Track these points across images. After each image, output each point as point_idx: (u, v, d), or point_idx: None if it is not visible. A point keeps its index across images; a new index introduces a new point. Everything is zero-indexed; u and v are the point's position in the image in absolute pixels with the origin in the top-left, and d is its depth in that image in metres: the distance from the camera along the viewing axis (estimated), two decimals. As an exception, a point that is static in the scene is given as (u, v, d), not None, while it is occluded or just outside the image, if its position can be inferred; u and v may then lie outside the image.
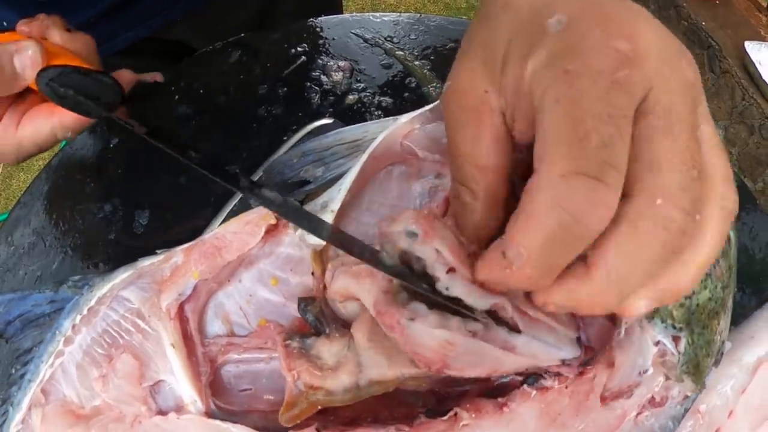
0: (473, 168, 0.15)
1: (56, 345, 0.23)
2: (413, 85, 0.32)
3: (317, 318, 0.19)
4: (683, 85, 0.13)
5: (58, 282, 0.25)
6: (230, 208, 0.26)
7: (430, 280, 0.15)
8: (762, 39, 1.36)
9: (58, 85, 0.24)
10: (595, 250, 0.13)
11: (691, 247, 0.14)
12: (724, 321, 0.22)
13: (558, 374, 0.18)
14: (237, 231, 0.20)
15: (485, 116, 0.15)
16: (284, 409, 0.18)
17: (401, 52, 0.31)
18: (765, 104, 1.26)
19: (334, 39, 0.33)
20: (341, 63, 0.31)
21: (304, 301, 0.20)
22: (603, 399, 0.19)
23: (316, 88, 0.31)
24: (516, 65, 0.14)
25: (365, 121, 0.30)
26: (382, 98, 0.31)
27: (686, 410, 0.22)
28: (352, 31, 0.32)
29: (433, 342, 0.15)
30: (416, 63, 0.30)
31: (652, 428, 0.21)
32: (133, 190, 0.31)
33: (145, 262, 0.22)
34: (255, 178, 0.27)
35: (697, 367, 0.19)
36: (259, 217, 0.20)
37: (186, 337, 0.21)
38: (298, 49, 0.33)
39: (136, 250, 0.24)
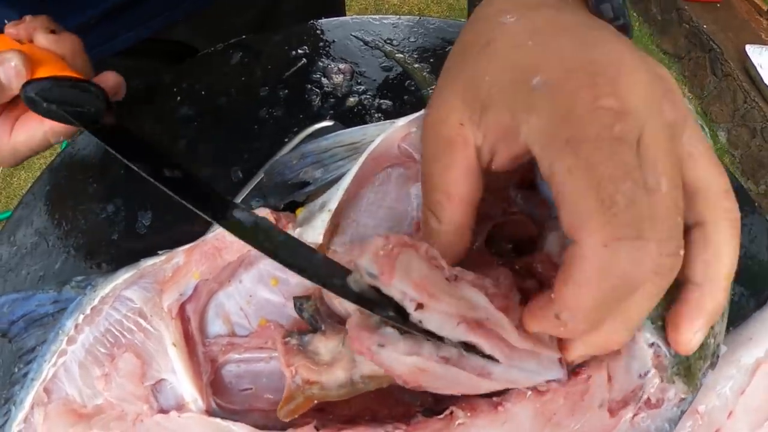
0: (442, 195, 0.16)
1: (59, 344, 0.24)
2: (413, 87, 0.32)
3: (313, 315, 0.20)
4: (666, 127, 0.14)
5: (61, 282, 0.25)
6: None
7: (403, 310, 0.15)
8: (763, 42, 1.37)
9: (41, 99, 0.24)
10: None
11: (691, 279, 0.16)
12: (719, 325, 0.22)
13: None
14: None
15: (458, 147, 0.16)
16: (282, 404, 0.18)
17: (401, 55, 0.31)
18: (767, 107, 1.26)
19: (334, 41, 0.33)
20: (342, 65, 0.31)
21: (300, 300, 0.20)
22: (611, 411, 0.19)
23: (317, 90, 0.32)
24: (500, 113, 0.15)
25: (365, 123, 0.31)
26: (382, 101, 0.32)
27: (683, 412, 0.21)
28: (353, 33, 0.33)
29: (404, 368, 0.15)
30: (416, 66, 0.31)
31: (648, 429, 0.20)
32: (135, 191, 0.31)
33: (147, 263, 0.22)
34: (256, 179, 0.27)
35: (688, 370, 0.19)
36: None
37: (187, 337, 0.21)
38: (299, 51, 0.33)
39: (138, 250, 0.25)
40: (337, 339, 0.19)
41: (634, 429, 0.20)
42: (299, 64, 0.32)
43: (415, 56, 0.32)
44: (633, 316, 0.15)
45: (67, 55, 0.28)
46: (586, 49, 0.15)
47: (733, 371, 0.27)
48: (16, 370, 0.26)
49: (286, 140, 0.29)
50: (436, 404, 0.20)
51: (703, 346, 0.20)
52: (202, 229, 0.29)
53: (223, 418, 0.20)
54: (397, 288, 0.14)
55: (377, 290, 0.15)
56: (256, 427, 0.19)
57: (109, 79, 0.29)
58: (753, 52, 1.29)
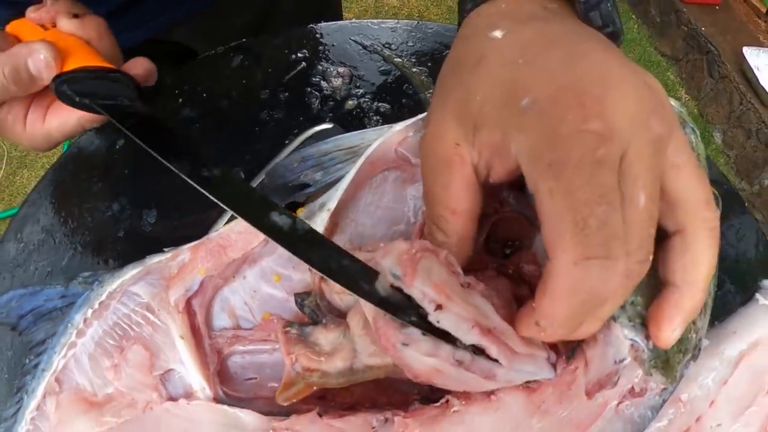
0: (445, 210, 0.18)
1: (69, 337, 0.25)
2: (410, 91, 0.33)
3: (314, 310, 0.21)
4: (652, 143, 0.15)
5: (68, 278, 0.26)
6: (222, 222, 0.28)
7: (423, 310, 0.16)
8: (761, 44, 1.38)
9: (72, 93, 0.25)
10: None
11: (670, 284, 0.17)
12: (701, 321, 0.24)
13: None
14: (241, 231, 0.22)
15: (456, 166, 0.17)
16: (282, 389, 0.19)
17: (399, 59, 0.33)
18: (762, 109, 1.28)
19: (333, 45, 0.34)
20: (341, 69, 0.32)
21: (301, 296, 0.21)
22: (588, 393, 0.20)
23: (316, 93, 0.33)
24: (492, 131, 0.16)
25: (364, 125, 0.32)
26: (380, 104, 0.33)
27: (664, 401, 0.23)
28: (352, 37, 0.34)
29: (423, 367, 0.16)
30: (414, 70, 0.32)
31: (631, 417, 0.22)
32: (140, 190, 0.32)
33: (154, 260, 0.23)
34: (258, 180, 0.28)
35: (666, 363, 0.21)
36: None
37: (194, 330, 0.23)
38: (299, 54, 0.34)
39: (144, 247, 0.25)
40: (337, 331, 0.20)
41: (619, 416, 0.22)
42: (299, 68, 0.33)
43: (413, 60, 0.33)
44: (605, 315, 0.16)
45: (93, 39, 0.28)
46: (574, 65, 0.15)
47: (716, 363, 0.28)
48: (27, 361, 0.27)
49: (286, 142, 0.30)
50: (432, 393, 0.22)
51: (682, 340, 0.22)
52: (206, 227, 0.31)
53: (229, 405, 0.21)
54: (418, 288, 0.16)
55: (400, 293, 0.16)
56: (261, 413, 0.21)
57: (139, 66, 0.29)
58: (750, 54, 1.29)
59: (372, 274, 0.17)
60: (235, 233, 0.22)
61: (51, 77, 0.25)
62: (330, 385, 0.19)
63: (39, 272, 0.32)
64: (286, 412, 0.21)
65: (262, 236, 0.22)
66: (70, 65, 0.25)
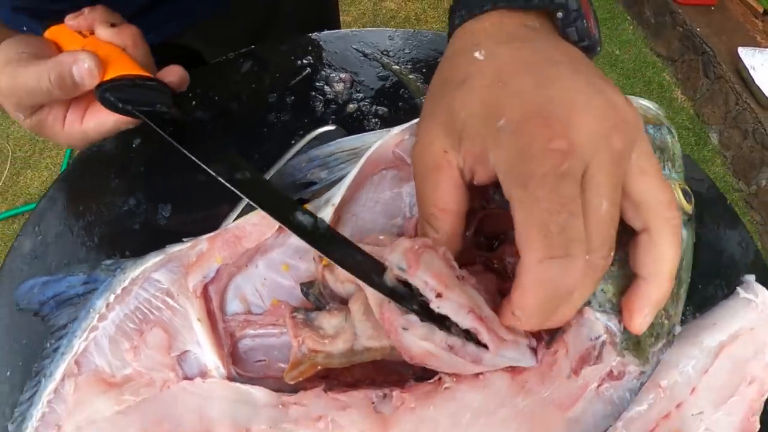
0: (435, 210, 0.20)
1: (90, 321, 0.26)
2: (407, 95, 0.35)
3: (317, 298, 0.23)
4: (611, 155, 0.17)
5: (91, 266, 0.28)
6: (245, 203, 0.30)
7: (425, 299, 0.19)
8: (758, 44, 1.38)
9: (116, 100, 0.27)
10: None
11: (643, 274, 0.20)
12: (673, 308, 0.26)
13: None
14: (256, 223, 0.24)
15: (444, 170, 0.19)
16: (289, 369, 0.22)
17: (396, 66, 0.35)
18: (759, 109, 1.27)
19: (336, 52, 0.37)
20: (342, 75, 0.35)
21: (306, 285, 0.24)
22: (574, 371, 0.22)
23: (320, 97, 0.35)
24: (474, 143, 0.19)
25: (364, 127, 0.34)
26: (378, 107, 0.35)
27: (642, 384, 0.25)
28: (353, 45, 0.36)
29: (418, 350, 0.19)
30: (410, 76, 0.34)
31: (611, 398, 0.24)
32: (155, 186, 0.34)
33: (174, 249, 0.25)
34: (267, 177, 0.31)
35: (638, 345, 0.23)
36: None
37: (210, 314, 0.25)
38: (304, 61, 0.36)
39: (159, 239, 0.27)
40: (340, 316, 0.22)
41: (599, 397, 0.23)
42: (304, 73, 0.35)
43: (409, 67, 0.36)
44: (576, 303, 0.19)
45: (129, 47, 0.30)
46: (543, 89, 0.18)
47: (695, 352, 0.29)
48: (48, 345, 0.28)
49: (292, 142, 0.32)
50: (425, 373, 0.24)
51: (653, 325, 0.24)
52: (217, 221, 0.32)
53: (242, 383, 0.24)
54: (421, 279, 0.18)
55: (404, 285, 0.19)
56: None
57: (174, 74, 0.30)
58: (745, 54, 1.29)
59: (380, 267, 0.19)
60: (250, 225, 0.24)
61: (93, 84, 0.27)
62: (333, 364, 0.22)
63: (56, 264, 0.33)
64: (292, 390, 0.23)
65: (274, 228, 0.24)
66: (111, 73, 0.27)
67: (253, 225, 0.24)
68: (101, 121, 0.29)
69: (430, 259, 0.19)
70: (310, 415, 0.22)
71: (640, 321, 0.21)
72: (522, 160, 0.17)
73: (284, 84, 0.36)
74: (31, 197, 1.35)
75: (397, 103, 0.35)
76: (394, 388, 0.22)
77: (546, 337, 0.22)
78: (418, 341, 0.18)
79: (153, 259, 0.25)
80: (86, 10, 0.31)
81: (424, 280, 0.18)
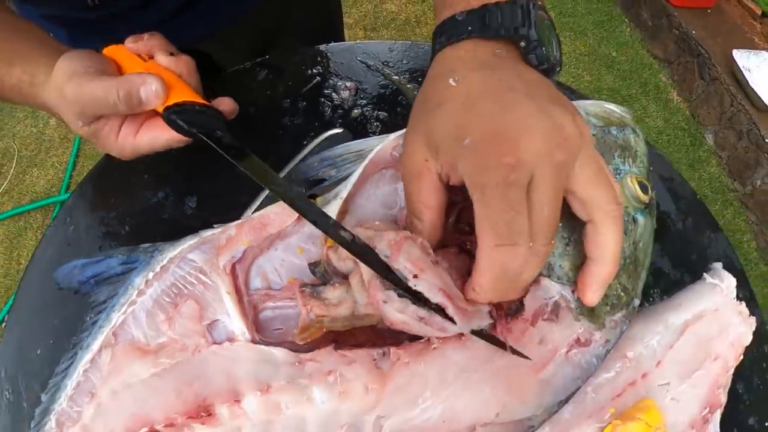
0: (420, 206, 0.25)
1: (129, 296, 0.29)
2: (404, 102, 0.40)
3: (323, 275, 0.28)
4: (553, 167, 0.22)
5: (131, 248, 0.31)
6: (263, 197, 0.35)
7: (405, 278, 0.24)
8: (755, 46, 1.41)
9: (183, 122, 0.30)
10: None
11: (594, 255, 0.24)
12: (630, 283, 0.29)
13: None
14: (278, 212, 0.29)
15: (425, 175, 0.24)
16: (300, 332, 0.26)
17: (396, 77, 0.40)
18: (753, 110, 1.31)
19: (342, 63, 0.42)
20: (348, 83, 0.40)
21: (313, 264, 0.28)
22: (532, 322, 0.27)
23: (328, 103, 0.40)
24: (447, 155, 0.23)
25: (367, 130, 0.39)
26: (380, 112, 0.40)
27: (608, 351, 0.28)
28: (357, 57, 0.41)
29: (396, 319, 0.24)
30: (408, 86, 0.39)
31: (579, 362, 0.28)
32: (182, 181, 0.38)
33: (207, 233, 0.29)
34: (282, 174, 0.36)
35: (592, 312, 0.27)
36: None
37: (236, 288, 0.29)
38: (314, 70, 0.41)
39: (186, 227, 0.31)
40: (342, 288, 0.27)
41: (568, 361, 0.27)
42: (314, 82, 0.40)
43: (407, 77, 0.41)
44: (524, 281, 0.23)
45: (185, 75, 0.33)
46: (502, 114, 0.22)
47: (660, 328, 0.32)
48: (87, 319, 0.31)
49: (304, 143, 0.37)
50: (417, 336, 0.29)
51: (608, 296, 0.28)
52: (238, 212, 0.37)
53: (264, 345, 0.28)
54: (401, 263, 0.23)
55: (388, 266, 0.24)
56: (287, 352, 0.28)
57: (226, 104, 0.33)
58: (740, 56, 1.33)
59: (374, 254, 0.24)
60: (273, 214, 0.29)
61: (157, 105, 0.30)
62: (336, 327, 0.27)
63: (88, 250, 0.37)
64: (306, 350, 0.28)
65: (293, 218, 0.29)
66: (173, 98, 0.31)
67: (275, 214, 0.29)
68: (154, 137, 0.32)
69: (408, 248, 0.24)
70: (322, 370, 0.26)
71: (591, 295, 0.26)
72: (480, 171, 0.22)
73: (296, 91, 0.40)
74: (37, 195, 1.37)
75: (396, 108, 0.40)
76: (391, 347, 0.27)
77: (513, 307, 0.27)
78: (395, 312, 0.24)
79: (189, 242, 0.30)
80: (146, 36, 0.34)
81: (403, 265, 0.23)
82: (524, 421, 0.27)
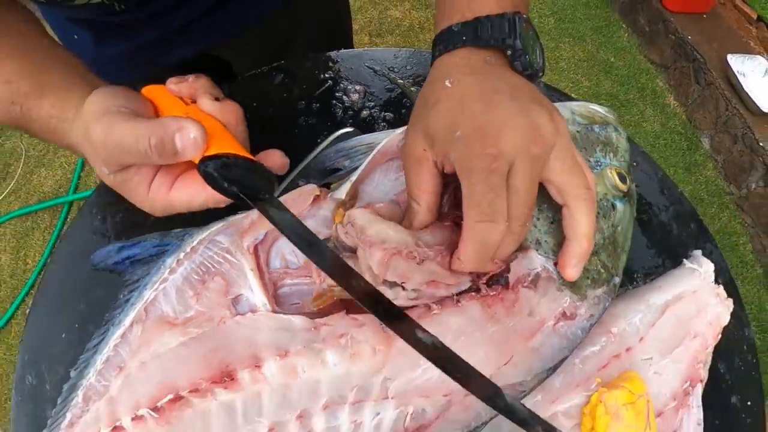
0: (418, 190, 0.29)
1: (161, 275, 0.32)
2: (408, 104, 0.44)
3: (334, 248, 0.32)
4: (528, 159, 0.25)
5: (163, 233, 0.33)
6: (283, 188, 0.40)
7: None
8: (751, 50, 1.44)
9: (220, 177, 0.26)
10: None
11: (571, 233, 0.28)
12: (611, 261, 0.33)
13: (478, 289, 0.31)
14: (295, 198, 0.32)
15: (424, 162, 0.28)
16: (314, 299, 0.30)
17: (401, 81, 0.44)
18: (748, 114, 1.34)
19: (351, 68, 0.46)
20: (357, 87, 0.44)
21: (325, 240, 0.31)
22: (513, 288, 0.31)
23: (340, 104, 0.44)
24: (441, 147, 0.27)
25: (374, 128, 0.43)
26: (386, 113, 0.44)
27: (591, 325, 0.31)
28: (365, 63, 0.46)
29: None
30: (412, 89, 0.44)
31: (565, 334, 0.31)
32: None
33: (233, 218, 0.33)
34: (300, 167, 0.40)
35: (574, 284, 0.31)
36: (309, 190, 0.33)
37: (258, 267, 0.33)
38: (326, 75, 0.46)
39: (208, 219, 0.32)
40: (350, 261, 0.30)
41: (555, 332, 0.30)
42: (326, 85, 0.44)
43: (411, 81, 0.44)
44: (501, 254, 0.28)
45: (231, 124, 0.29)
46: (487, 113, 0.26)
47: (642, 307, 0.35)
48: (121, 297, 0.33)
49: (318, 141, 0.40)
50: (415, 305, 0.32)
51: (589, 270, 0.32)
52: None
53: (284, 314, 0.32)
54: (390, 278, 0.28)
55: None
56: (304, 322, 0.32)
57: (276, 159, 0.30)
58: (734, 61, 1.37)
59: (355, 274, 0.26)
60: (290, 200, 0.33)
61: (194, 156, 0.26)
62: (345, 296, 0.30)
63: (114, 239, 0.39)
64: (319, 317, 0.31)
65: (309, 203, 0.33)
66: (213, 148, 0.26)
67: (293, 200, 0.33)
68: (192, 194, 0.29)
69: (395, 263, 0.28)
70: (335, 333, 0.30)
71: (570, 270, 0.30)
72: (468, 159, 0.26)
73: (310, 94, 0.44)
74: (44, 195, 1.40)
75: (401, 110, 0.44)
76: None
77: (498, 275, 0.31)
78: (391, 299, 0.28)
79: (216, 226, 0.33)
80: (191, 78, 0.30)
81: (393, 280, 0.28)
82: (516, 386, 0.31)
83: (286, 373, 0.30)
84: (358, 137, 0.35)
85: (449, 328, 0.30)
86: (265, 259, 0.34)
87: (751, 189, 1.36)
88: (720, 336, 0.36)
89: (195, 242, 0.34)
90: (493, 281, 0.31)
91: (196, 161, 0.27)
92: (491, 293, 0.31)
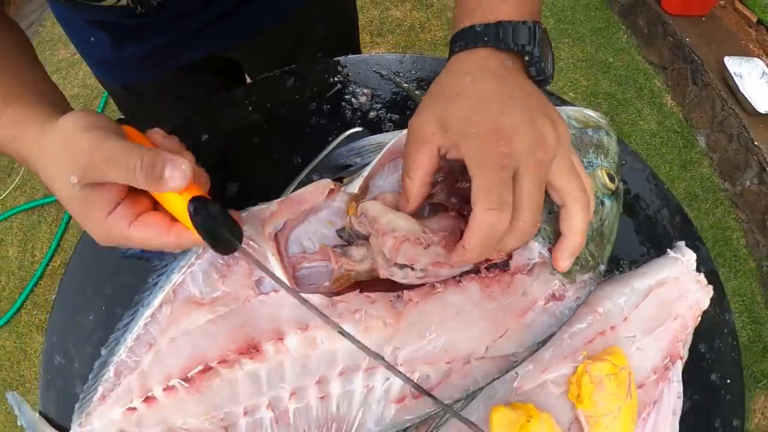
0: (414, 166, 0.31)
1: (188, 260, 0.34)
2: (413, 107, 0.48)
3: (349, 237, 0.36)
4: (534, 163, 0.28)
5: None
6: (297, 182, 0.44)
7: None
8: (750, 53, 1.47)
9: (205, 214, 0.28)
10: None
11: (567, 221, 0.32)
12: (597, 251, 0.37)
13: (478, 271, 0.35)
14: (311, 191, 0.37)
15: (428, 144, 0.30)
16: (333, 282, 0.34)
17: (406, 84, 0.49)
18: (743, 114, 1.38)
19: (359, 73, 0.49)
20: (365, 90, 0.48)
21: (341, 230, 0.36)
22: (513, 274, 0.35)
23: (349, 106, 0.47)
24: (454, 136, 0.29)
25: (382, 130, 0.46)
26: (392, 114, 0.47)
27: (578, 306, 0.35)
28: (372, 68, 0.50)
29: (401, 281, 0.33)
30: (416, 92, 0.48)
31: (554, 312, 0.34)
32: (227, 169, 0.45)
33: (255, 208, 0.36)
34: (313, 164, 0.44)
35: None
36: (325, 184, 0.36)
37: (279, 252, 0.37)
38: (335, 78, 0.50)
39: (230, 208, 0.32)
40: (364, 248, 0.35)
41: (545, 311, 0.34)
42: (336, 88, 0.47)
43: (415, 85, 0.48)
44: (505, 247, 0.31)
45: (202, 186, 0.30)
46: (502, 116, 0.28)
47: (627, 290, 0.38)
48: (150, 280, 0.35)
49: (330, 139, 0.44)
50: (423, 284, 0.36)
51: (579, 258, 0.35)
52: (274, 193, 0.42)
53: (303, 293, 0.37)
54: (400, 262, 0.32)
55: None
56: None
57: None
58: (731, 63, 1.41)
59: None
60: (307, 192, 0.37)
61: (176, 187, 0.27)
62: (361, 277, 0.35)
63: None
64: (334, 295, 0.35)
65: (324, 195, 0.37)
66: (193, 192, 0.28)
67: (309, 193, 0.37)
68: (150, 238, 0.29)
69: (404, 249, 0.32)
70: (350, 309, 0.35)
71: (562, 263, 0.34)
72: (482, 153, 0.28)
73: (321, 96, 0.48)
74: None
75: (405, 111, 0.47)
76: (403, 290, 0.35)
77: (501, 263, 0.35)
78: (401, 279, 0.33)
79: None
80: (164, 137, 0.31)
81: (402, 263, 0.32)
82: (509, 357, 0.35)
83: (307, 344, 0.33)
84: (367, 137, 0.39)
85: (451, 304, 0.35)
86: (285, 245, 0.38)
87: (745, 186, 1.39)
88: (700, 319, 0.39)
89: (220, 230, 0.38)
90: (492, 264, 0.36)
91: (177, 194, 0.28)
92: (489, 275, 0.35)
